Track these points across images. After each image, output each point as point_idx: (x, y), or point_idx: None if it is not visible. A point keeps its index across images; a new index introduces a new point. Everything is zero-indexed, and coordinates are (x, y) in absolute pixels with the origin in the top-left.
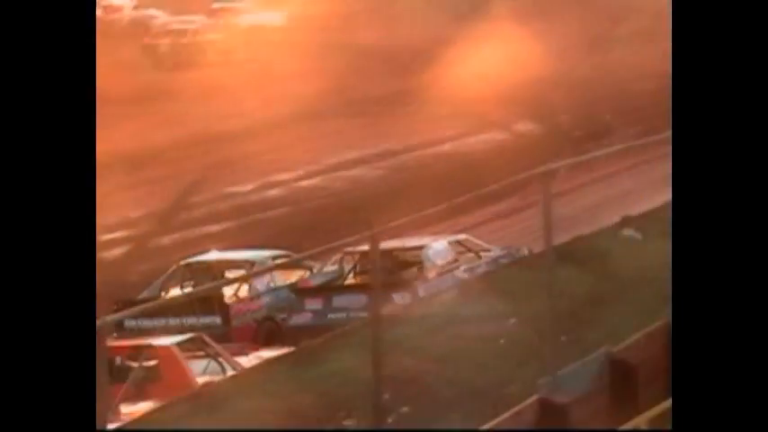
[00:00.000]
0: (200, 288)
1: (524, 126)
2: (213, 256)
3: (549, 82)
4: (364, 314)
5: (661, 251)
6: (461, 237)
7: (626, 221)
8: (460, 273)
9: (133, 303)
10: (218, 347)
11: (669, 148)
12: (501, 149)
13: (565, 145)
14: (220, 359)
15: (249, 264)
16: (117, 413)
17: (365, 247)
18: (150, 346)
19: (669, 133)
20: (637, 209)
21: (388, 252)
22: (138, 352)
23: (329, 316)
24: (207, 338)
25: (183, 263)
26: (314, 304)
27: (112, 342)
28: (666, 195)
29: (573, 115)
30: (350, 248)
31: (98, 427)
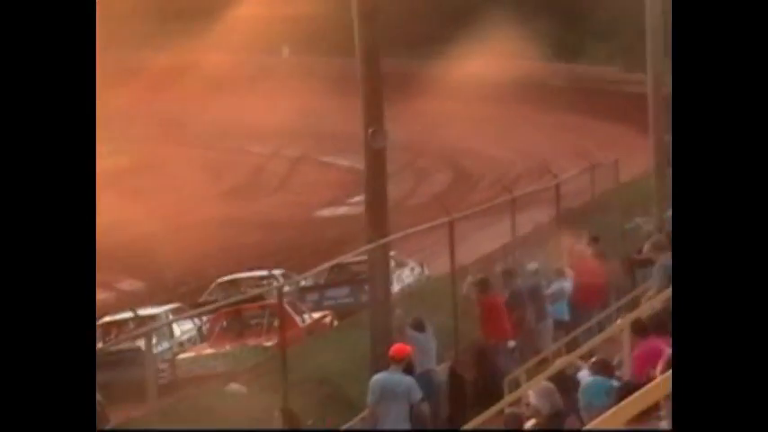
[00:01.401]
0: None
1: (129, 284)
2: (237, 276)
3: (154, 239)
4: (347, 300)
5: (266, 404)
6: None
7: (231, 376)
8: (399, 274)
9: (199, 305)
10: (304, 308)
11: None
12: (105, 308)
13: (171, 300)
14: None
15: (265, 278)
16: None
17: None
18: (271, 304)
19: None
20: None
21: (346, 265)
22: (263, 309)
23: (324, 303)
24: (297, 303)
25: (218, 281)
26: (313, 297)
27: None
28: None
29: (178, 271)
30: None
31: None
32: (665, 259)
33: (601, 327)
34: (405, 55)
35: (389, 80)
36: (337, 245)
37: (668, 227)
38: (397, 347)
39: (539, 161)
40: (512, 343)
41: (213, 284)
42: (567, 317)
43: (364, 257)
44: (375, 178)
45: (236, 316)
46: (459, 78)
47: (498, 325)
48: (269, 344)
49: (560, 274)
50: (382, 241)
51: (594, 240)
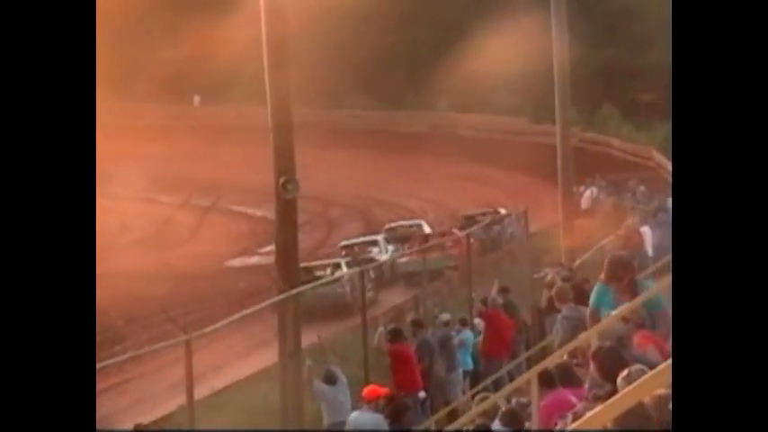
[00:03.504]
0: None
1: None
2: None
3: None
4: (482, 235)
5: None
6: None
7: (139, 427)
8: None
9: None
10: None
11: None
12: None
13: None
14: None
15: (333, 265)
16: None
17: None
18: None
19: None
20: (150, 416)
21: (474, 215)
22: (442, 236)
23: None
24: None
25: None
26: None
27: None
28: (179, 400)
29: None
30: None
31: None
32: (567, 310)
33: (511, 377)
34: (317, 105)
35: (301, 129)
36: (248, 296)
37: (578, 276)
38: (368, 389)
39: (449, 211)
40: (422, 394)
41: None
42: (470, 367)
43: (488, 210)
44: (286, 228)
45: (425, 239)
46: (370, 128)
47: (409, 375)
48: (451, 252)
49: (464, 324)
50: (293, 292)
51: (504, 290)
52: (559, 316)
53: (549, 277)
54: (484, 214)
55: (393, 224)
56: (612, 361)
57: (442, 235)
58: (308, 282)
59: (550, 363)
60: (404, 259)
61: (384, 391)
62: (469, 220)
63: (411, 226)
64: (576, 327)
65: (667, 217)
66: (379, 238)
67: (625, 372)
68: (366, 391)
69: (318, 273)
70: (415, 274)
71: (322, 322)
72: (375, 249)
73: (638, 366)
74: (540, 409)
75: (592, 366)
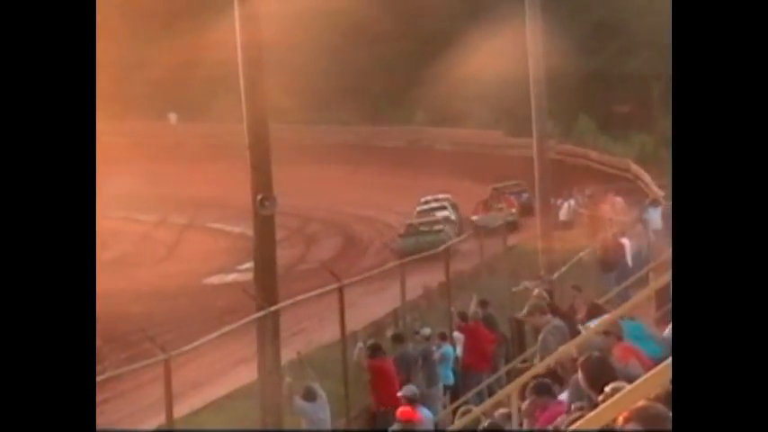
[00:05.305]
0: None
1: None
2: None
3: None
4: (525, 200)
5: None
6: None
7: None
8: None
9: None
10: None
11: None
12: None
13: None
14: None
15: (433, 221)
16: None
17: None
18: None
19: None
20: None
21: (503, 187)
22: (498, 200)
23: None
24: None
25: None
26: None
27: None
28: (158, 419)
29: None
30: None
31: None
32: (555, 320)
33: (491, 390)
34: (294, 120)
35: (278, 145)
36: (227, 313)
37: (555, 289)
38: (402, 410)
39: None
40: None
41: (406, 224)
42: (451, 381)
43: (514, 182)
44: (264, 245)
45: (486, 201)
46: (348, 143)
47: (388, 390)
48: (512, 210)
49: (442, 338)
50: (272, 308)
51: (483, 304)
52: (550, 326)
53: (536, 291)
54: (510, 185)
55: (426, 198)
56: (601, 371)
57: (499, 198)
58: (412, 234)
59: (540, 370)
60: (474, 217)
61: (417, 418)
62: (498, 191)
63: (442, 198)
64: (565, 336)
65: (644, 228)
66: (446, 203)
67: (609, 387)
68: (401, 411)
69: (422, 228)
70: (483, 228)
71: (429, 263)
72: (445, 212)
73: (620, 384)
74: (541, 421)
75: (579, 375)
